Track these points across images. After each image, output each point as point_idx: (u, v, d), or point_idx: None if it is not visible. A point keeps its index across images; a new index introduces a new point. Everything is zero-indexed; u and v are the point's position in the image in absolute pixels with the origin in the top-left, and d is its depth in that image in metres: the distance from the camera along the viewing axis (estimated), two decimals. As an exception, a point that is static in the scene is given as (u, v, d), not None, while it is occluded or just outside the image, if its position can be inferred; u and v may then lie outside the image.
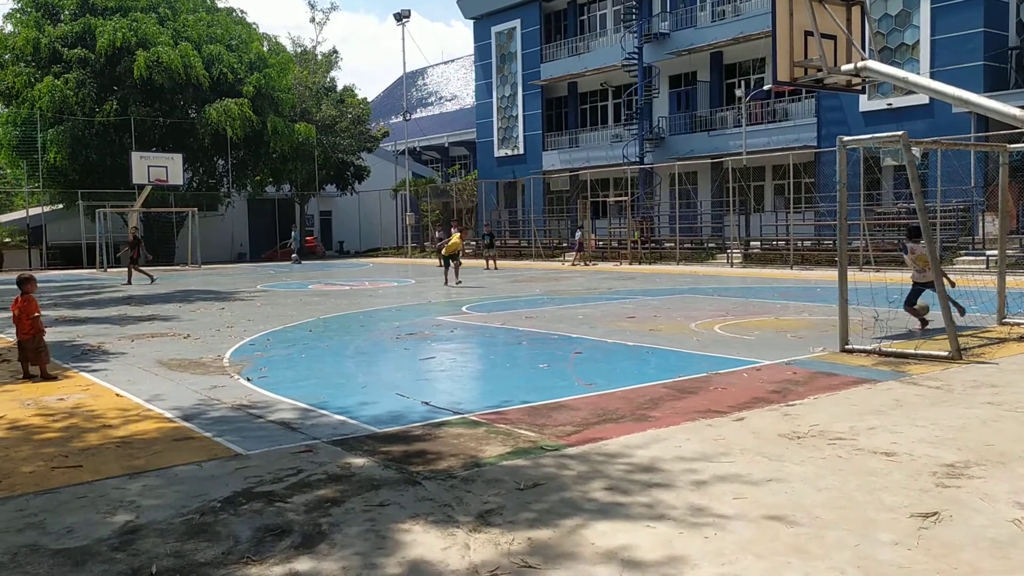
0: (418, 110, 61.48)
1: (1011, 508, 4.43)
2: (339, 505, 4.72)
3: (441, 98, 65.09)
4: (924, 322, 10.98)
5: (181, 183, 39.18)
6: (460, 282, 22.18)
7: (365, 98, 50.38)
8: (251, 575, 3.79)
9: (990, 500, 4.57)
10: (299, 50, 49.97)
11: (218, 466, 5.57)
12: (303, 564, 3.90)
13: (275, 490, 5.02)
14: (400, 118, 49.00)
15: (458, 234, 24.24)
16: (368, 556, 3.98)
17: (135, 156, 36.71)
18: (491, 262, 29.72)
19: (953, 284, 10.50)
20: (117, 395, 8.15)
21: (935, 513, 4.38)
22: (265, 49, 42.77)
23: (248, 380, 8.80)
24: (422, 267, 33.58)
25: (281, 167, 43.63)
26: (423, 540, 4.17)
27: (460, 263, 23.10)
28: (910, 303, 10.92)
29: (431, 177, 54.47)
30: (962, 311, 10.56)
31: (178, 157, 38.21)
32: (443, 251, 23.89)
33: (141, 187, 36.97)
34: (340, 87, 49.59)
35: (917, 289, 10.93)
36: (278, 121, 40.88)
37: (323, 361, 10.22)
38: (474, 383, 9.11)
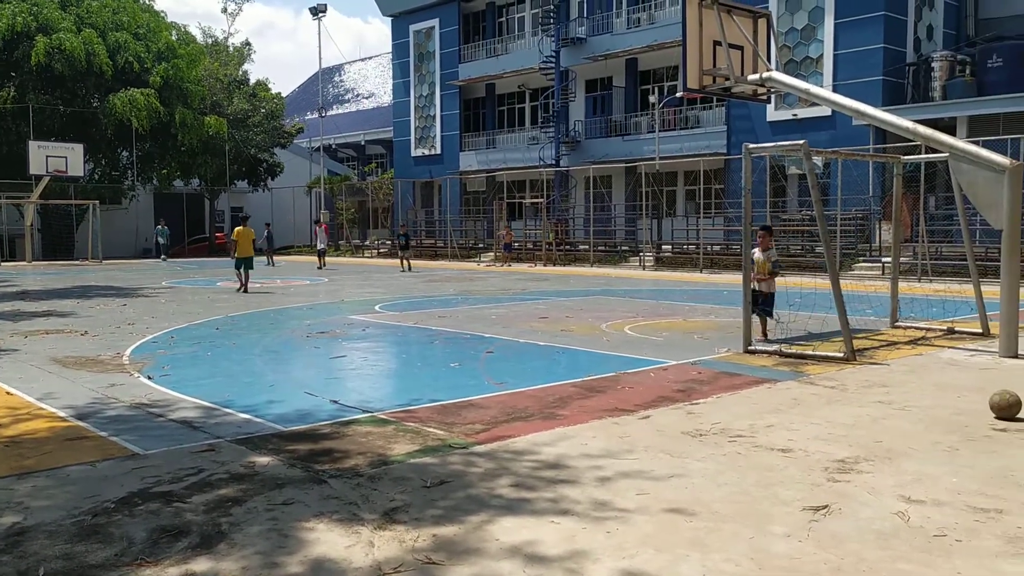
0: (334, 107, 60.68)
1: (895, 501, 4.65)
2: (241, 504, 4.63)
3: (358, 95, 64.38)
4: (764, 332, 10.71)
5: (82, 174, 37.69)
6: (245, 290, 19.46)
7: (279, 93, 49.45)
8: (145, 576, 3.69)
9: (876, 493, 4.78)
10: (210, 41, 48.67)
11: (113, 466, 5.39)
12: (200, 565, 3.81)
13: (173, 490, 4.89)
14: (315, 114, 48.27)
15: (240, 228, 20.84)
16: (269, 555, 3.92)
17: (33, 145, 35.17)
18: (405, 262, 29.53)
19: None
20: (7, 393, 7.79)
21: (826, 506, 4.56)
22: (174, 39, 41.46)
23: (149, 378, 8.53)
24: (336, 265, 33.15)
25: (190, 161, 42.38)
26: (327, 538, 4.13)
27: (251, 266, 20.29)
28: (755, 310, 10.44)
29: (347, 175, 53.77)
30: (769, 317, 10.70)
31: (79, 147, 36.74)
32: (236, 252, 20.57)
33: (39, 178, 35.42)
34: (253, 81, 48.48)
35: (755, 296, 10.47)
36: (187, 113, 39.71)
37: (230, 359, 9.98)
38: (384, 382, 9.05)
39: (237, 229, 21.16)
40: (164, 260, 37.82)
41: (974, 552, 3.92)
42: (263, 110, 46.55)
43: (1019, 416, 6.48)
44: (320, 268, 29.21)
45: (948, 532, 4.17)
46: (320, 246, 32.44)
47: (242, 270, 20.12)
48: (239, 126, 44.71)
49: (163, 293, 19.83)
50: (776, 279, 10.93)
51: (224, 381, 8.56)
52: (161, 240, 39.52)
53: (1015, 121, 23.02)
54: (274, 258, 33.79)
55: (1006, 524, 4.27)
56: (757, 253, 10.65)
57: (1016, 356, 9.32)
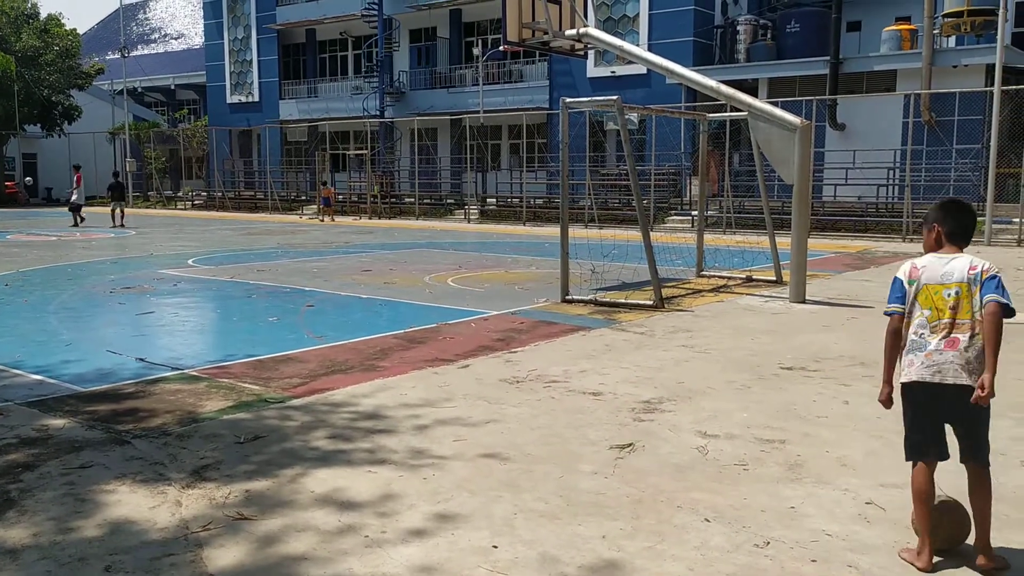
0: (139, 47, 56.53)
1: (693, 437, 4.99)
2: (32, 470, 4.34)
3: (166, 35, 60.22)
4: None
5: None
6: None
7: (75, 29, 45.36)
8: (-81, 552, 3.39)
9: (677, 430, 5.12)
10: (-7, -32, 43.84)
11: None
12: (-15, 535, 3.55)
13: (-45, 458, 4.50)
14: (117, 54, 44.74)
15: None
16: (64, 520, 3.70)
17: None
18: (119, 213, 25.64)
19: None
20: None
21: (630, 444, 4.83)
22: (-51, -37, 37.07)
23: (-74, 340, 7.76)
24: (147, 217, 31.20)
25: (-28, 102, 38.32)
26: (129, 500, 3.94)
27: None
28: None
29: (155, 121, 50.41)
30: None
31: None
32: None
33: None
34: (44, 15, 44.21)
35: None
36: (-33, 48, 35.81)
37: (20, 317, 9.23)
38: (197, 338, 8.67)
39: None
40: None
41: (759, 479, 4.29)
42: (56, 48, 42.54)
43: (809, 376, 6.99)
44: (75, 225, 24.92)
45: (737, 462, 4.53)
46: (75, 199, 26.38)
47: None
48: (29, 64, 40.72)
49: (-57, 247, 17.99)
50: (592, 230, 11.30)
51: (13, 341, 7.91)
52: None
53: (809, 83, 24.79)
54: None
55: (787, 453, 4.69)
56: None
57: (804, 302, 10.16)
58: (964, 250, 3.42)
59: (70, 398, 5.79)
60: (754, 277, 12.22)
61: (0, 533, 3.56)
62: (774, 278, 11.88)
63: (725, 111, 13.63)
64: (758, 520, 3.76)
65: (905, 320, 3.39)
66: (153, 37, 60.67)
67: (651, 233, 10.63)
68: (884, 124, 23.54)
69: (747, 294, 11.03)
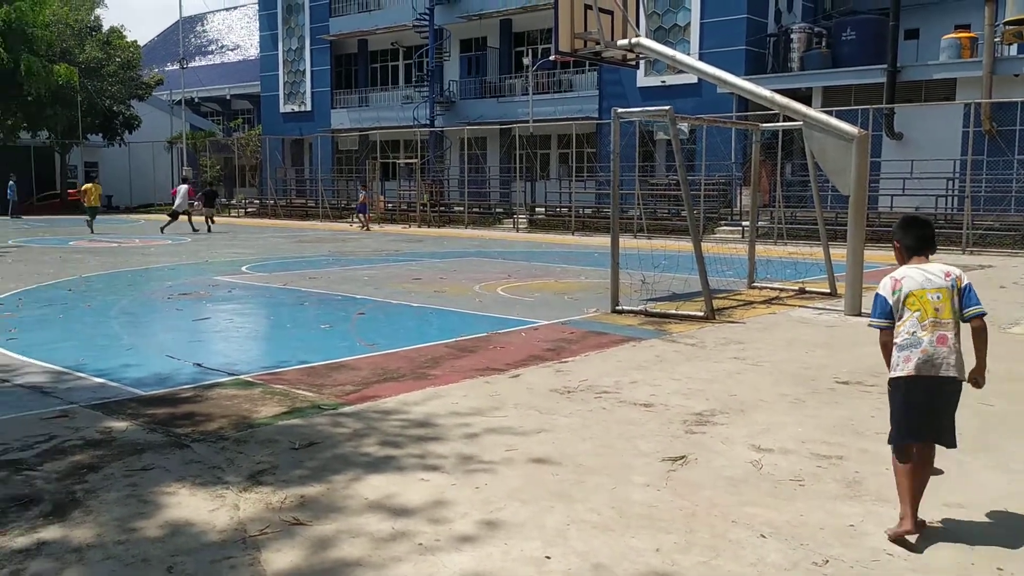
0: (197, 58, 57.81)
1: (747, 450, 4.93)
2: (97, 471, 4.45)
3: (223, 47, 61.53)
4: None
5: (-87, 124, 34.60)
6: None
7: (135, 41, 46.59)
8: (-10, 548, 3.50)
9: (730, 443, 5.06)
10: (58, -17, 45.23)
11: (-46, 435, 5.06)
12: (52, 533, 3.65)
13: (23, 458, 4.64)
14: (176, 65, 45.83)
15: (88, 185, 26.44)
16: (127, 521, 3.79)
17: None
18: (210, 220, 27.66)
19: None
20: None
21: (683, 457, 4.79)
22: (16, -21, 38.33)
23: (-6, 342, 8.02)
24: (201, 224, 31.76)
25: (38, 112, 39.52)
26: (189, 502, 4.03)
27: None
28: None
29: (211, 130, 51.49)
30: None
31: (-90, 94, 33.66)
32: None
33: None
34: (107, 27, 45.48)
35: None
36: (34, 60, 36.91)
37: (84, 322, 9.49)
38: (251, 344, 8.82)
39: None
40: (15, 218, 35.13)
41: (816, 495, 4.22)
42: (118, 59, 43.76)
43: (868, 391, 6.88)
44: (196, 230, 26.48)
45: (793, 478, 4.47)
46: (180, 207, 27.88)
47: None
48: (92, 76, 41.92)
49: (9, 252, 18.57)
50: (641, 240, 11.27)
51: (77, 345, 8.14)
52: (11, 197, 36.66)
53: (866, 92, 24.38)
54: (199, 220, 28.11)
55: (845, 469, 4.61)
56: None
57: (859, 314, 9.97)
58: (931, 258, 3.84)
59: (131, 401, 5.93)
60: (807, 289, 12.04)
61: (66, 532, 3.67)
62: (828, 290, 11.69)
63: (778, 120, 13.48)
64: (816, 537, 3.70)
65: (896, 326, 3.74)
66: (210, 48, 62.04)
67: (702, 244, 10.54)
68: (943, 133, 23.02)
69: (800, 306, 10.87)
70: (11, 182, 37.11)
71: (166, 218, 26.37)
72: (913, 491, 3.70)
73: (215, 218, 28.96)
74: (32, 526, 3.73)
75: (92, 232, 24.87)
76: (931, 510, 3.88)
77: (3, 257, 17.30)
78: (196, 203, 27.84)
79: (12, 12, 36.44)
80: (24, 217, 35.87)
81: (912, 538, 3.63)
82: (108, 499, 4.06)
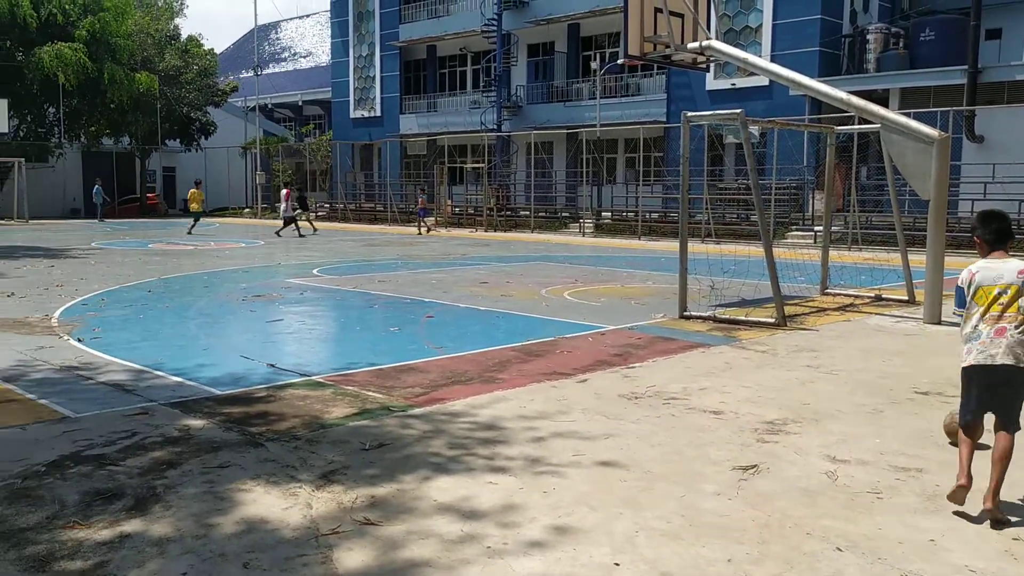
0: (270, 65, 59.19)
1: (821, 460, 4.82)
2: (175, 467, 4.58)
3: (295, 54, 62.88)
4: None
5: (6, 131, 36.19)
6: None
7: (212, 49, 47.93)
8: (77, 539, 3.63)
9: (803, 453, 4.95)
10: (140, -6, 46.84)
11: (43, 429, 5.27)
12: (133, 526, 3.77)
13: (106, 453, 4.81)
14: (251, 73, 46.99)
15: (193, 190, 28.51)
16: (204, 517, 3.89)
17: (-48, 100, 33.63)
18: (309, 224, 28.80)
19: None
20: (-72, 356, 7.53)
21: (755, 466, 4.71)
22: (101, -10, 39.82)
23: (79, 341, 8.32)
24: (272, 228, 32.52)
25: (120, 119, 40.98)
26: (264, 500, 4.11)
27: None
28: None
29: (283, 136, 52.62)
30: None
31: (2, 103, 35.21)
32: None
33: (-40, 133, 33.99)
34: (185, 36, 46.91)
35: None
36: (116, 69, 38.29)
37: (162, 322, 9.79)
38: (323, 346, 8.99)
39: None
40: (101, 221, 36.50)
41: (894, 508, 4.10)
42: (196, 67, 45.09)
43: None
44: (303, 235, 27.18)
45: (870, 490, 4.35)
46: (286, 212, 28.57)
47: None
48: (171, 83, 43.29)
49: (93, 254, 19.28)
50: (709, 245, 11.11)
51: (157, 344, 8.39)
52: (98, 201, 38.09)
53: (945, 94, 23.63)
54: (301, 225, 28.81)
55: (925, 482, 4.47)
56: None
57: (939, 322, 9.67)
58: (1010, 252, 4.14)
59: (207, 400, 6.09)
60: (884, 296, 11.70)
61: (147, 526, 3.78)
62: (906, 297, 11.35)
63: (853, 123, 13.16)
64: (895, 552, 3.59)
65: (965, 315, 4.10)
66: (283, 56, 63.46)
67: (773, 249, 10.35)
68: (1026, 136, 22.19)
69: (876, 313, 10.58)
70: (97, 187, 38.53)
71: (278, 223, 28.01)
72: (969, 457, 4.05)
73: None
74: (116, 519, 3.86)
75: (189, 233, 26.92)
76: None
77: (87, 259, 17.97)
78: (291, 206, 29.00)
79: (96, 23, 37.87)
80: (107, 220, 37.21)
81: (966, 495, 3.92)
82: (186, 495, 4.18)
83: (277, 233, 26.96)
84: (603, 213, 30.82)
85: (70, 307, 10.73)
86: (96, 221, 36.52)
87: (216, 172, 48.09)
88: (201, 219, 29.16)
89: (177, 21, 47.29)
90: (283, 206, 27.99)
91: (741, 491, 4.32)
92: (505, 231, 30.70)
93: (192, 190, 28.82)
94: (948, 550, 3.62)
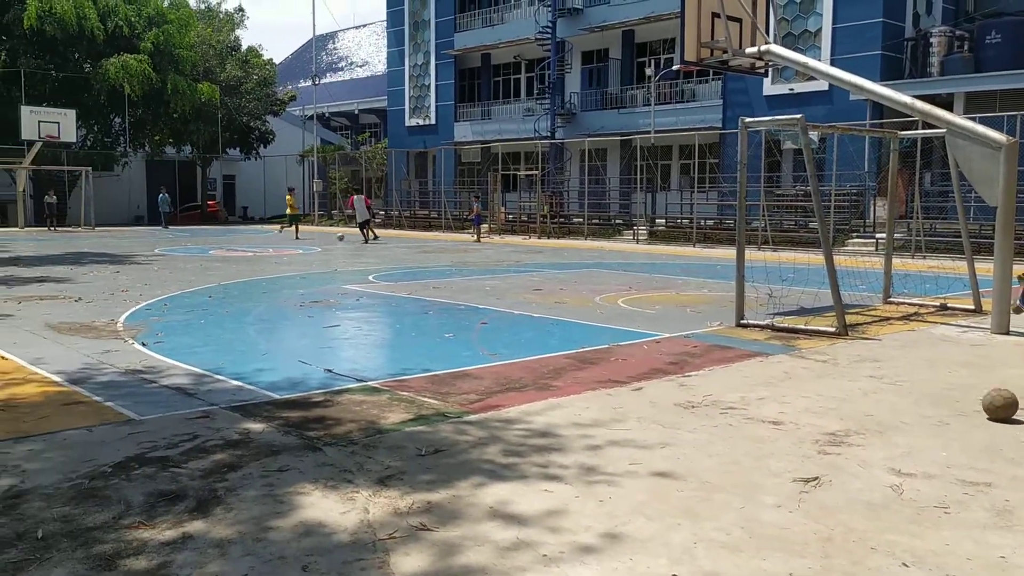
0: (327, 75, 60.16)
1: (885, 474, 4.70)
2: (236, 470, 4.66)
3: (352, 63, 63.83)
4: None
5: (74, 140, 37.42)
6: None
7: (271, 59, 48.93)
8: (142, 539, 3.71)
9: (867, 466, 4.83)
10: (202, 6, 48.08)
11: (109, 431, 5.41)
12: (196, 527, 3.84)
13: (169, 455, 4.91)
14: (308, 82, 47.83)
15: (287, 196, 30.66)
16: (264, 520, 3.95)
17: (25, 110, 34.86)
18: (370, 232, 29.16)
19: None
20: (2, 357, 7.79)
21: (816, 478, 4.61)
22: (164, 4, 40.97)
23: (143, 345, 8.53)
24: (330, 235, 33.01)
25: (182, 128, 42.08)
26: (322, 504, 4.16)
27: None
28: None
29: (340, 144, 53.44)
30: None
31: (71, 113, 36.45)
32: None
33: (31, 143, 35.16)
34: (245, 47, 47.97)
35: None
36: (179, 80, 39.34)
37: (223, 327, 9.98)
38: (378, 351, 9.07)
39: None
40: (166, 228, 37.44)
41: (962, 524, 3.97)
42: (255, 77, 46.09)
43: (1016, 418, 5.79)
44: (368, 241, 28.07)
45: (937, 504, 4.22)
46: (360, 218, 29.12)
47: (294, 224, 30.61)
48: (231, 93, 44.32)
49: (156, 260, 19.78)
50: (767, 253, 10.94)
51: (217, 349, 8.56)
52: (164, 209, 39.08)
53: (1012, 98, 22.97)
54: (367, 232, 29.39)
55: (994, 497, 4.33)
56: None
57: (1007, 332, 9.37)
58: None
59: (266, 404, 6.18)
60: (949, 305, 11.39)
61: (209, 527, 3.85)
62: (972, 307, 11.03)
63: (916, 128, 12.86)
64: (963, 569, 3.48)
65: None
66: (340, 65, 64.46)
67: (833, 256, 10.15)
68: (1100, 140, 21.42)
69: (942, 323, 10.30)
70: (162, 195, 39.57)
71: (350, 230, 29.23)
72: None
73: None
74: (178, 520, 3.93)
75: (279, 232, 31.04)
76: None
77: (150, 265, 18.44)
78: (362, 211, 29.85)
79: (160, 35, 38.96)
80: (170, 228, 38.17)
81: None
82: (247, 497, 4.24)
83: (365, 241, 27.79)
84: (657, 220, 30.61)
85: (134, 312, 11.01)
86: (161, 228, 37.47)
87: (274, 180, 49.03)
88: (295, 223, 30.94)
89: (238, 32, 48.51)
90: (355, 212, 28.99)
91: (803, 503, 4.23)
92: (558, 238, 30.67)
93: (288, 196, 30.93)
94: (1019, 567, 3.49)
